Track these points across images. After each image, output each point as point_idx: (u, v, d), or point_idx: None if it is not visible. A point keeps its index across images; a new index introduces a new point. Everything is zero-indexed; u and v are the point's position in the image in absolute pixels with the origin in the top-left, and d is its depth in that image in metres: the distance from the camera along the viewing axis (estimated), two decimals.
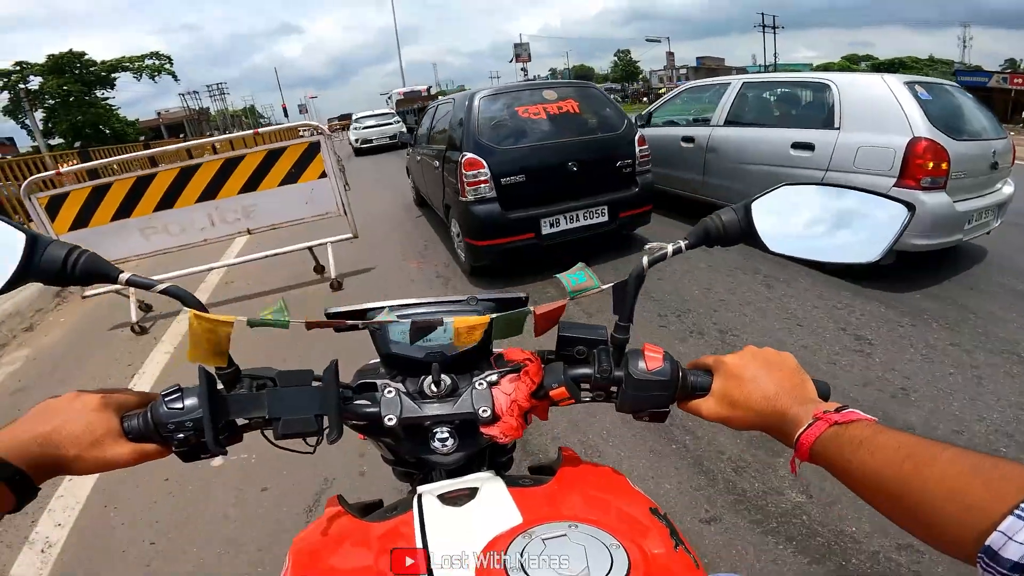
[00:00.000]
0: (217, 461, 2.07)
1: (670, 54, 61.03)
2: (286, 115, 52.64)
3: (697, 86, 5.54)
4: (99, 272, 0.51)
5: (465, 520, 0.48)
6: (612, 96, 4.45)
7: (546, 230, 3.81)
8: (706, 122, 4.75)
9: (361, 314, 0.63)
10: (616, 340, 0.58)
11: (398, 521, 0.50)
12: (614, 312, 0.58)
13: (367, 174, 11.31)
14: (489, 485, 0.53)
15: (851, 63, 60.33)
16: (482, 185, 3.68)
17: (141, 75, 32.98)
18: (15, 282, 0.49)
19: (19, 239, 0.48)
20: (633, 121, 4.21)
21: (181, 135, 40.21)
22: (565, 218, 3.84)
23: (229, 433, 0.54)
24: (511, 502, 0.49)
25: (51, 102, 30.13)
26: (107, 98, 32.37)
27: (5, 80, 28.53)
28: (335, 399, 0.52)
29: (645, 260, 0.55)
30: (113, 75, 32.09)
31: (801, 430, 0.45)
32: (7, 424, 0.48)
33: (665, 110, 5.65)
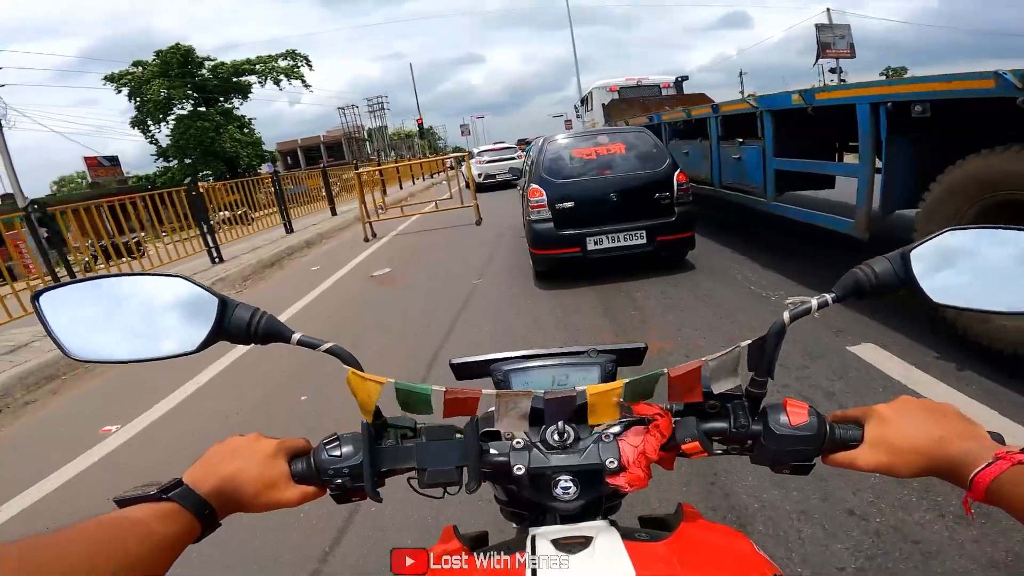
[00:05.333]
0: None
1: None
2: (422, 133, 47.02)
3: None
4: (275, 332, 0.56)
5: (577, 569, 0.49)
6: None
7: (591, 247, 4.79)
8: None
9: (486, 365, 0.71)
10: (752, 395, 0.57)
11: (510, 560, 0.51)
12: (749, 368, 0.58)
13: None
14: (604, 536, 0.53)
15: None
16: (542, 209, 4.81)
17: (266, 80, 27.02)
18: (209, 341, 0.55)
19: (212, 302, 0.55)
20: (674, 160, 5.04)
21: (318, 162, 34.69)
22: (608, 238, 4.78)
23: (379, 478, 0.58)
24: (625, 556, 0.49)
25: (179, 111, 25.08)
26: (231, 109, 26.73)
27: (126, 83, 24.41)
28: (475, 452, 0.57)
29: (786, 315, 0.55)
30: (236, 79, 26.43)
31: (978, 469, 0.43)
32: (199, 460, 0.55)
33: None
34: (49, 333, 0.53)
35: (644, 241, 4.79)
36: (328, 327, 4.85)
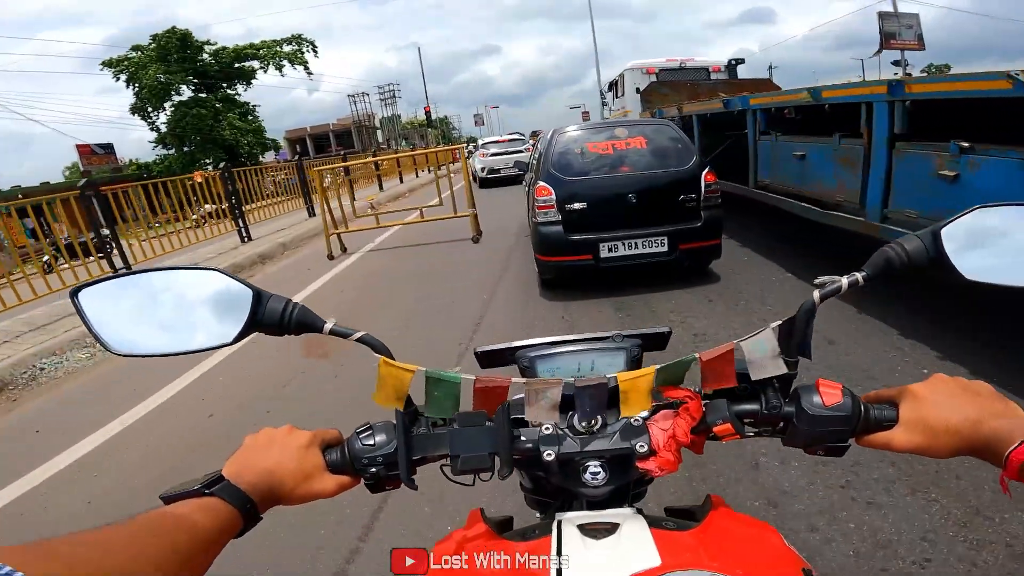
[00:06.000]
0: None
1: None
2: (429, 121, 47.11)
3: None
4: (308, 323, 0.57)
5: (603, 554, 0.49)
6: None
7: (604, 254, 4.20)
8: None
9: (511, 353, 0.71)
10: (783, 375, 0.57)
11: (536, 544, 0.51)
12: (780, 349, 0.57)
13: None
14: (631, 523, 0.53)
15: None
16: (549, 210, 4.22)
17: (268, 65, 25.60)
18: (244, 333, 0.55)
19: (247, 294, 0.55)
20: (703, 158, 4.42)
21: (327, 150, 35.60)
22: (624, 244, 4.19)
23: (411, 466, 0.58)
24: (652, 543, 0.48)
25: (177, 98, 24.03)
26: (233, 95, 25.66)
27: (123, 68, 23.20)
28: (507, 439, 0.56)
29: (816, 294, 0.54)
30: (239, 65, 25.14)
31: (1013, 447, 0.43)
32: (237, 453, 0.55)
33: None
34: (89, 328, 0.53)
35: (665, 249, 4.20)
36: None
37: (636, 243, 4.19)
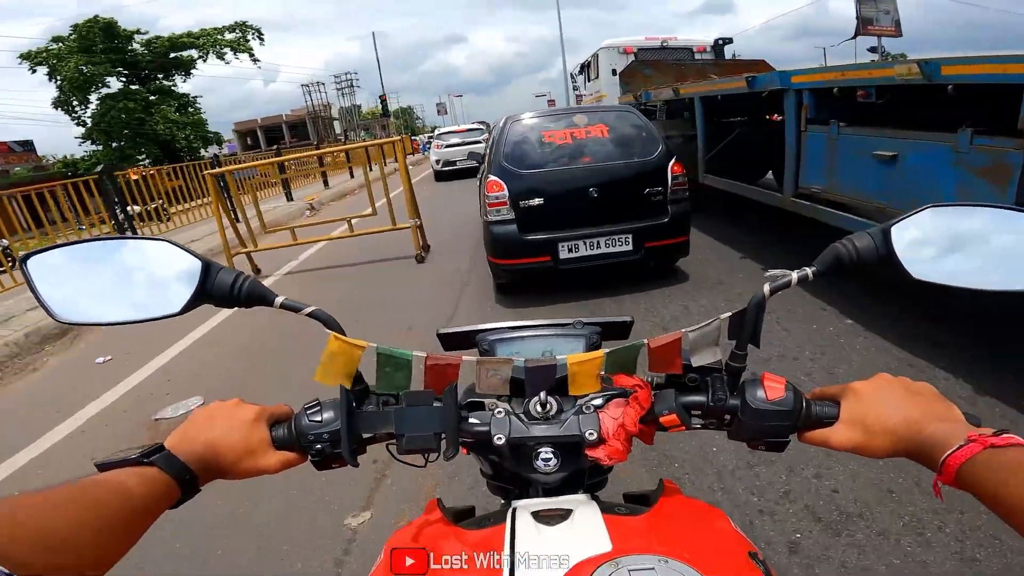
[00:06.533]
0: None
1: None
2: (385, 111, 43.55)
3: None
4: (259, 296, 0.57)
5: (555, 541, 0.49)
6: None
7: (564, 255, 3.79)
8: None
9: (472, 335, 0.70)
10: (731, 368, 0.57)
11: (490, 532, 0.52)
12: (730, 338, 0.57)
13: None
14: (584, 509, 0.54)
15: None
16: (502, 207, 3.77)
17: (207, 54, 23.71)
18: (192, 303, 0.55)
19: (196, 265, 0.55)
20: (669, 148, 4.04)
21: (281, 142, 32.56)
22: (585, 244, 3.79)
23: (358, 445, 0.58)
24: (603, 529, 0.49)
25: (106, 91, 21.99)
26: (170, 87, 23.76)
27: (41, 60, 21.09)
28: (454, 419, 0.56)
29: (767, 287, 0.54)
30: (175, 55, 23.16)
31: (949, 451, 0.41)
32: (182, 425, 0.54)
33: None
34: (36, 296, 0.53)
35: (630, 248, 3.83)
36: None
37: (598, 242, 3.80)
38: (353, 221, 6.11)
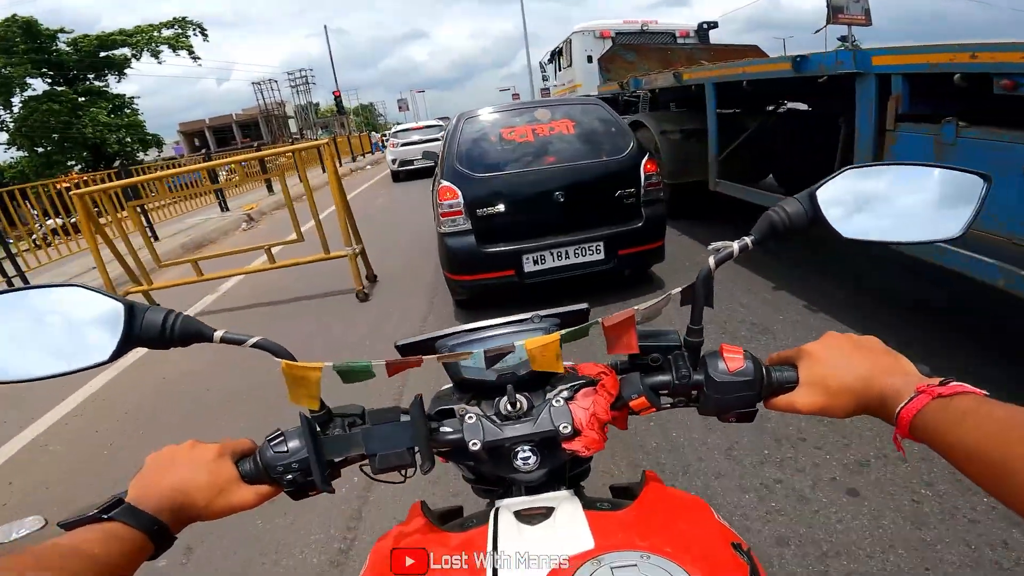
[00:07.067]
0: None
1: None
2: (340, 107, 39.72)
3: None
4: (195, 332, 0.53)
5: (538, 540, 0.49)
6: None
7: (529, 267, 3.38)
8: None
9: (431, 343, 0.67)
10: (690, 344, 0.57)
11: (473, 534, 0.53)
12: (684, 309, 0.58)
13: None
14: (566, 506, 0.54)
15: None
16: (457, 216, 3.32)
17: (141, 53, 22.00)
18: (121, 349, 0.51)
19: (119, 309, 0.51)
20: (641, 145, 3.66)
21: (232, 143, 33.04)
22: (552, 255, 3.39)
23: (330, 470, 0.56)
24: (585, 526, 0.50)
25: (29, 93, 20.12)
26: (101, 88, 22.02)
27: None
28: (424, 432, 0.55)
29: (712, 260, 0.55)
30: (106, 54, 21.46)
31: (901, 404, 0.43)
32: (139, 474, 0.51)
33: None
34: None
35: (602, 256, 3.45)
36: None
37: (567, 251, 3.40)
38: (274, 250, 4.73)
